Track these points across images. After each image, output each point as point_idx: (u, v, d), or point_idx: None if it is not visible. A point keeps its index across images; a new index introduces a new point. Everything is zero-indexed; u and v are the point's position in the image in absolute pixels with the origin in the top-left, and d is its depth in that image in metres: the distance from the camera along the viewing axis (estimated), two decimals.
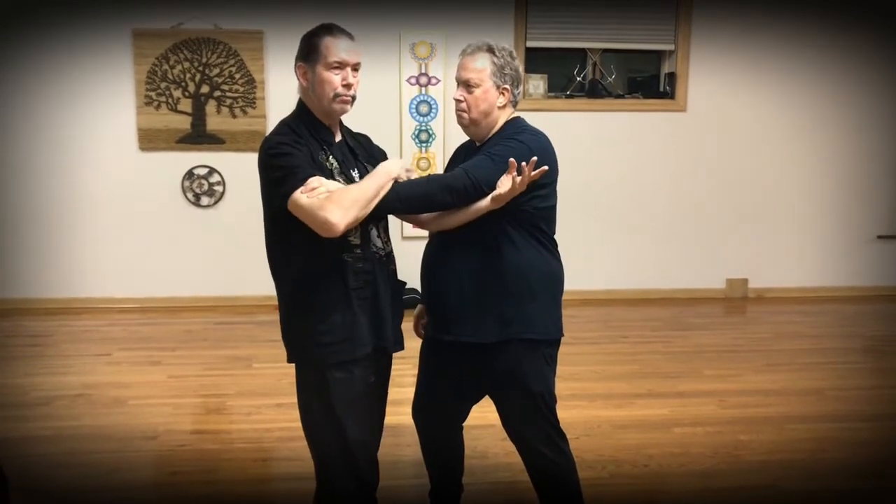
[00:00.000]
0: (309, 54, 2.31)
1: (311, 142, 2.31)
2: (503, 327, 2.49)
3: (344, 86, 2.30)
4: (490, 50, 2.51)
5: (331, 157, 2.34)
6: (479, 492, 3.17)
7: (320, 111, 2.36)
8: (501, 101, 2.53)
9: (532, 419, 2.59)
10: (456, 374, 2.66)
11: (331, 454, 2.37)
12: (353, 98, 2.36)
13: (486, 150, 2.47)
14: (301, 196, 2.17)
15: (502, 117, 2.57)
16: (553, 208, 2.58)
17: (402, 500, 3.10)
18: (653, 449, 3.61)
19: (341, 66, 2.29)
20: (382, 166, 2.32)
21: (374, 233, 2.39)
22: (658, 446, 3.64)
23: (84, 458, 3.48)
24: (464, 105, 2.53)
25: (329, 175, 2.28)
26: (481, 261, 2.48)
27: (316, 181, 2.19)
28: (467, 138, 2.70)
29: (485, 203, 2.39)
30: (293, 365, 2.44)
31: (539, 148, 2.46)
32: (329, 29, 2.32)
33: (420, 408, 2.80)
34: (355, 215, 2.19)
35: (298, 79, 2.35)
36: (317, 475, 2.46)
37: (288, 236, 2.28)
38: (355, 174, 2.38)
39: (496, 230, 2.45)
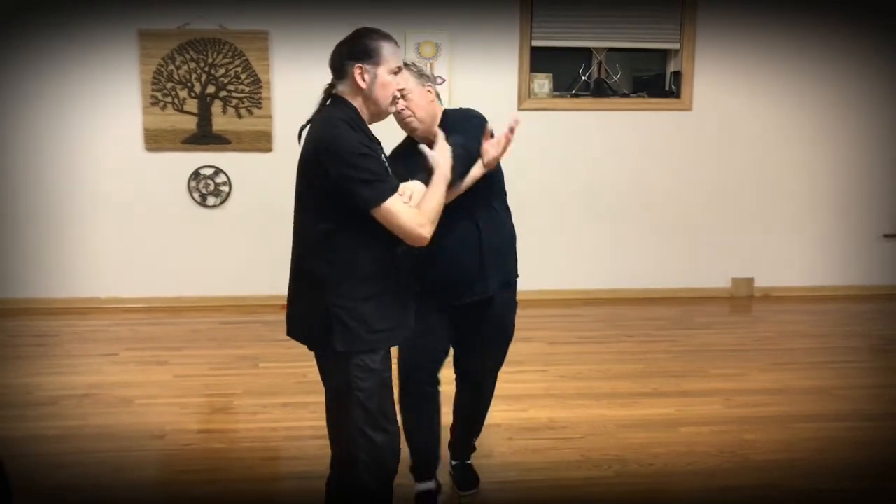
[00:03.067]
0: (370, 56, 2.31)
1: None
2: (504, 278, 2.90)
3: (398, 90, 2.41)
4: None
5: (383, 157, 2.38)
6: (485, 491, 3.18)
7: (373, 113, 2.38)
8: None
9: (503, 357, 3.03)
10: (453, 327, 2.91)
11: (359, 443, 2.36)
12: None
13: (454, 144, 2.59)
14: (399, 205, 2.24)
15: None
16: None
17: (402, 499, 3.10)
18: (658, 448, 3.62)
19: (398, 72, 2.38)
20: (439, 173, 2.39)
21: None
22: (663, 445, 3.64)
23: (90, 458, 3.50)
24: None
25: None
26: (481, 229, 2.80)
27: (407, 189, 2.32)
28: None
29: (477, 171, 2.65)
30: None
31: (482, 116, 2.78)
32: (384, 34, 2.38)
33: (406, 357, 2.87)
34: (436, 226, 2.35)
35: (354, 78, 2.30)
36: (338, 465, 2.46)
37: (358, 229, 2.27)
38: None
39: (484, 204, 2.81)
